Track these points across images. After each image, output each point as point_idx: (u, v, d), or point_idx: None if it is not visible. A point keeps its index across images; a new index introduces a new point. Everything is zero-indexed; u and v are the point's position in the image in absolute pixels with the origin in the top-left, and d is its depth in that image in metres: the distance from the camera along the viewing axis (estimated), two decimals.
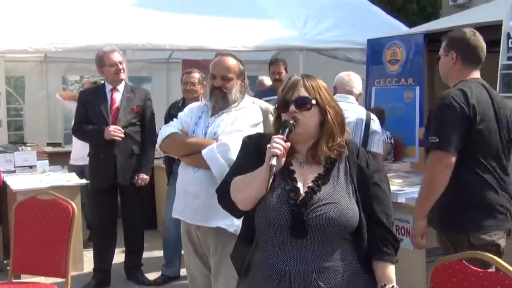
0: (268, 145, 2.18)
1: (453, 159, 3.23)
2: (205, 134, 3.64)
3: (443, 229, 3.44)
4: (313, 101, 2.28)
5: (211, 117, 3.69)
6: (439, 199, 3.32)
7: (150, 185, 6.19)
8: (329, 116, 2.29)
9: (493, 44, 6.40)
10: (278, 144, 2.16)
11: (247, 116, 3.66)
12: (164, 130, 3.73)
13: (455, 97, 3.27)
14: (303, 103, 2.27)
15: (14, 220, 4.15)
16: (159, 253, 6.04)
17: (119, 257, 5.84)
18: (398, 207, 4.60)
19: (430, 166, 3.35)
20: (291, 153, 2.29)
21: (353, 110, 4.68)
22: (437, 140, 3.26)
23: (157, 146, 3.83)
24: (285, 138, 2.20)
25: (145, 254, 5.98)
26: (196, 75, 5.71)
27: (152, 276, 5.82)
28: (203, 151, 3.49)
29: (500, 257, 3.02)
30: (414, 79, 7.10)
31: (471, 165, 3.31)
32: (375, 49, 7.57)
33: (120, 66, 5.47)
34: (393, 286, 2.28)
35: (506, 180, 3.38)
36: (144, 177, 5.51)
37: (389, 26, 8.32)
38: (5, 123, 8.55)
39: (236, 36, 7.40)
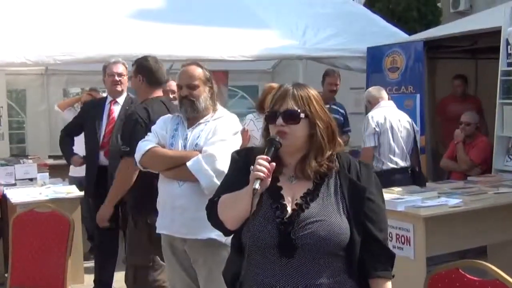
0: (252, 167, 2.13)
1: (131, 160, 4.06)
2: (185, 146, 3.61)
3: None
4: (302, 115, 2.20)
5: (188, 128, 3.66)
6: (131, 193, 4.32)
7: None
8: (318, 130, 2.21)
9: (493, 51, 6.42)
10: (262, 166, 2.10)
11: (227, 125, 3.65)
12: (141, 145, 3.67)
13: (139, 113, 4.21)
14: (291, 117, 2.19)
15: (12, 233, 4.15)
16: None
17: (120, 269, 5.81)
18: (398, 215, 4.58)
19: (122, 169, 4.29)
20: (278, 167, 2.22)
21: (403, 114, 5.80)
22: (128, 149, 4.11)
23: (137, 162, 3.74)
24: (269, 158, 2.13)
25: None
26: (172, 84, 5.71)
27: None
28: (189, 164, 3.46)
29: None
30: (414, 86, 7.08)
31: None
32: (375, 57, 7.57)
33: (118, 78, 5.46)
34: None
35: None
36: None
37: (389, 33, 8.31)
38: (7, 136, 8.55)
39: (235, 46, 7.40)
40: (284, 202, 2.20)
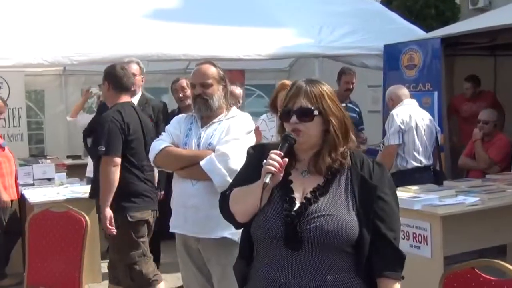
0: (264, 161, 2.14)
1: (119, 160, 4.46)
2: (199, 145, 3.61)
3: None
4: (315, 112, 2.20)
5: (201, 128, 3.66)
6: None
7: (166, 195, 6.17)
8: (331, 127, 2.21)
9: None
10: (274, 161, 2.12)
11: (240, 124, 3.65)
12: (155, 145, 3.69)
13: (113, 116, 4.52)
14: (304, 114, 2.20)
15: (28, 232, 4.17)
16: (177, 263, 6.02)
17: None
18: (415, 214, 4.55)
19: (104, 169, 4.47)
20: (292, 162, 2.24)
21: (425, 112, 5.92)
22: (104, 148, 4.44)
23: (151, 161, 3.76)
24: (282, 153, 2.14)
25: (162, 265, 5.97)
26: (184, 81, 5.69)
27: (169, 284, 5.81)
28: (202, 163, 3.47)
29: (150, 230, 4.73)
30: (432, 84, 7.00)
31: (127, 165, 4.54)
32: (392, 54, 7.50)
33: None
34: None
35: (150, 174, 4.69)
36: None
37: (406, 31, 8.24)
38: (26, 137, 8.66)
39: (251, 45, 7.39)
40: (293, 196, 2.21)
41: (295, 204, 2.19)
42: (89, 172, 6.93)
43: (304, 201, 2.18)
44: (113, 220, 4.48)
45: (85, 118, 7.18)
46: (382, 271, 2.18)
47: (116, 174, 4.46)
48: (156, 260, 5.77)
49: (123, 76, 4.69)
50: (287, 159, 2.15)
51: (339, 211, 2.16)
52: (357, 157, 2.29)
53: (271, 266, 2.19)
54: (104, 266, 6.18)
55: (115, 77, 4.68)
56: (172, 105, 8.34)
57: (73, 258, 4.06)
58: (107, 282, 5.74)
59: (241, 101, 6.63)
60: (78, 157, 9.00)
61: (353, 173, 2.24)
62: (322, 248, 2.13)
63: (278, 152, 2.15)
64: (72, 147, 9.37)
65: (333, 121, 2.22)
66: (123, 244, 4.60)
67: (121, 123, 4.50)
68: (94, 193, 5.51)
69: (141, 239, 4.61)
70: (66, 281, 4.10)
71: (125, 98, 4.73)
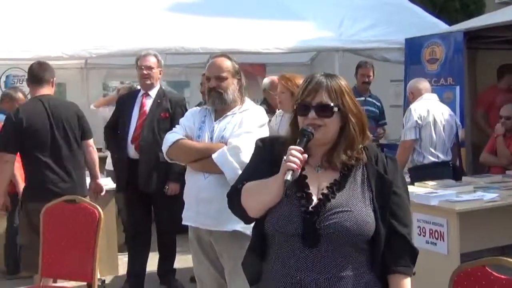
0: (284, 157, 2.10)
1: (8, 156, 4.76)
2: (212, 138, 3.61)
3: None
4: (335, 108, 2.16)
5: (215, 121, 3.66)
6: None
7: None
8: (350, 124, 2.18)
9: None
10: (295, 157, 2.08)
11: (253, 117, 3.64)
12: (169, 137, 3.69)
13: (11, 113, 4.88)
14: (324, 110, 2.16)
15: (42, 224, 4.20)
16: (189, 255, 6.04)
17: (153, 261, 5.85)
18: (431, 210, 4.49)
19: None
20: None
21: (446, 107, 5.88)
22: None
23: (164, 154, 3.76)
24: (303, 149, 2.11)
25: (178, 259, 5.98)
26: None
27: (185, 278, 5.85)
28: (214, 156, 3.46)
29: None
30: (454, 78, 6.89)
31: (29, 157, 4.83)
32: (413, 48, 7.40)
33: (146, 72, 5.44)
34: None
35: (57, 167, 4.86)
36: (173, 186, 5.40)
37: (429, 24, 8.11)
38: None
39: (269, 38, 7.35)
40: (309, 191, 2.17)
41: (312, 200, 2.15)
42: (109, 165, 6.97)
43: (321, 197, 2.15)
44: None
45: (106, 111, 7.21)
46: (394, 266, 2.16)
47: (6, 168, 4.80)
48: (171, 253, 5.81)
49: (36, 69, 4.96)
50: (306, 155, 2.12)
51: (357, 206, 2.13)
52: (372, 152, 2.26)
53: (286, 263, 2.16)
54: (121, 258, 6.23)
55: (30, 72, 5.01)
56: (193, 98, 8.38)
57: (86, 250, 4.07)
58: (124, 274, 5.80)
59: None
60: (99, 150, 9.02)
61: (369, 168, 2.22)
62: (339, 244, 2.11)
63: (299, 148, 2.11)
64: (93, 140, 9.41)
65: (352, 118, 2.19)
66: (22, 227, 5.18)
67: (15, 119, 4.75)
68: (120, 187, 5.59)
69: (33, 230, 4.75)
70: (80, 273, 4.12)
71: (42, 91, 4.93)
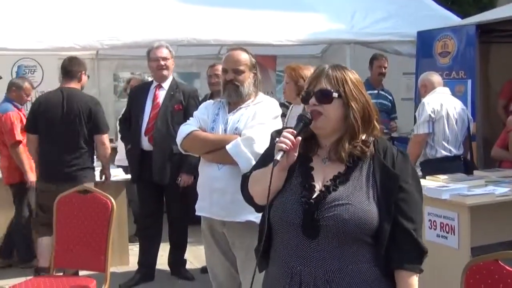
0: (277, 139, 2.13)
1: (29, 136, 5.43)
2: (225, 130, 3.64)
3: None
4: (335, 94, 2.17)
5: (228, 113, 3.68)
6: None
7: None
8: (351, 112, 2.17)
9: None
10: (286, 138, 2.11)
11: (267, 109, 3.66)
12: (183, 129, 3.72)
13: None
14: (323, 96, 2.17)
15: (55, 215, 4.23)
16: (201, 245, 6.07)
17: (164, 252, 5.88)
18: (442, 204, 4.49)
19: None
20: (313, 148, 2.23)
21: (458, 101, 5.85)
22: None
23: (178, 145, 3.78)
24: (295, 132, 2.13)
25: (189, 249, 6.01)
26: (220, 67, 5.68)
27: (196, 269, 5.88)
28: (228, 147, 3.49)
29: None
30: (466, 72, 6.86)
31: (41, 139, 5.39)
32: (425, 41, 7.36)
33: (162, 63, 5.46)
34: None
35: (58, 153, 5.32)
36: (186, 178, 5.43)
37: (441, 17, 8.07)
38: None
39: (281, 30, 7.32)
40: (313, 183, 2.18)
41: (315, 191, 2.16)
42: (118, 160, 6.99)
43: (323, 189, 2.16)
44: None
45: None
46: (400, 264, 2.13)
47: (29, 147, 5.53)
48: (183, 244, 5.83)
49: (65, 63, 5.54)
50: (300, 138, 2.13)
51: (359, 200, 2.12)
52: (381, 145, 2.23)
53: (288, 252, 2.17)
54: (132, 249, 6.27)
55: (61, 66, 5.61)
56: (203, 89, 8.36)
57: (99, 240, 4.11)
58: (135, 264, 5.84)
59: None
60: (111, 140, 9.07)
61: (376, 161, 2.19)
62: (339, 237, 2.10)
63: (291, 130, 2.14)
64: None
65: (354, 106, 2.17)
66: None
67: (35, 103, 5.53)
68: (133, 178, 5.65)
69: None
70: (92, 264, 4.17)
71: (68, 84, 5.47)
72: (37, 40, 6.50)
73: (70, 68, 5.47)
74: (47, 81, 8.34)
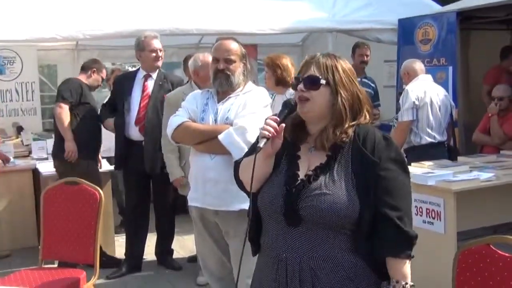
0: (260, 127, 2.14)
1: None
2: (216, 120, 3.63)
3: None
4: (323, 81, 2.16)
5: (218, 102, 3.68)
6: None
7: None
8: (339, 99, 2.16)
9: None
10: (268, 125, 2.12)
11: (257, 98, 3.68)
12: (173, 120, 3.70)
13: None
14: (311, 82, 2.17)
15: (42, 206, 4.20)
16: (191, 238, 6.06)
17: (150, 242, 5.88)
18: (428, 190, 4.53)
19: None
20: (302, 136, 2.23)
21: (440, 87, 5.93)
22: None
23: (169, 136, 3.78)
24: (279, 119, 2.14)
25: (176, 239, 6.01)
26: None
27: (182, 258, 5.89)
28: (221, 137, 3.49)
29: None
30: (447, 58, 6.91)
31: None
32: (407, 29, 7.40)
33: (160, 54, 5.47)
34: (406, 283, 2.09)
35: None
36: None
37: (421, 5, 8.07)
38: (40, 111, 8.66)
39: (263, 19, 7.31)
40: (297, 172, 2.18)
41: (298, 180, 2.16)
42: (102, 152, 6.92)
43: (304, 178, 2.16)
44: None
45: None
46: (388, 252, 2.10)
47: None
48: (170, 234, 5.83)
49: (85, 62, 6.08)
50: (283, 125, 2.14)
51: (337, 189, 2.09)
52: (362, 131, 2.18)
53: (274, 240, 2.19)
54: (117, 240, 6.25)
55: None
56: (184, 79, 8.31)
57: (87, 232, 4.09)
58: (121, 255, 5.82)
59: None
60: None
61: (355, 148, 2.16)
62: (319, 226, 2.10)
63: (274, 117, 2.15)
64: None
65: (342, 94, 2.16)
66: None
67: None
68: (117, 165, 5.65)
69: None
70: (80, 255, 4.15)
71: (78, 76, 5.93)
72: (18, 31, 6.41)
73: (86, 63, 5.96)
74: (26, 72, 8.29)
